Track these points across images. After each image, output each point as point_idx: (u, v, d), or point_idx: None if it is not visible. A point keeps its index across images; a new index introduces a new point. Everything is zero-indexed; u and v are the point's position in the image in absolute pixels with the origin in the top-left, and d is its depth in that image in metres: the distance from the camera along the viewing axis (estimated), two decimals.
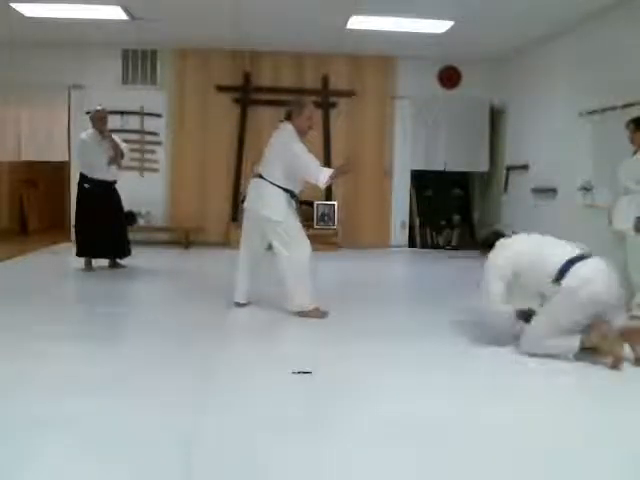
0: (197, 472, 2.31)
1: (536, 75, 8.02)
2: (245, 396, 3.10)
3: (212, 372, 3.46)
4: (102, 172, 6.49)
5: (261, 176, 4.72)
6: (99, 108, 6.59)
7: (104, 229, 6.43)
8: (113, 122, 8.68)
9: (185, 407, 2.92)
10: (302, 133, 4.74)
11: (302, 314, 4.73)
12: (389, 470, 2.36)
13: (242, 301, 5.02)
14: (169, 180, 9.18)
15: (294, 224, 4.82)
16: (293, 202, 4.84)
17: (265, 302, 5.23)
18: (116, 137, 6.71)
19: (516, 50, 8.39)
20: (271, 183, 4.67)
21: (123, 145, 6.65)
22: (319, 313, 4.78)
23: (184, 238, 8.84)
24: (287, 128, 4.72)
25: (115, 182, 6.64)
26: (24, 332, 4.18)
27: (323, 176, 4.66)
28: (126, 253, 6.71)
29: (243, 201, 5.00)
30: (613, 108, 6.02)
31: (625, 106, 5.79)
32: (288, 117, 4.77)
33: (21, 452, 2.41)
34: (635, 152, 5.10)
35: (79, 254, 6.54)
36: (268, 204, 4.67)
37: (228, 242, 8.92)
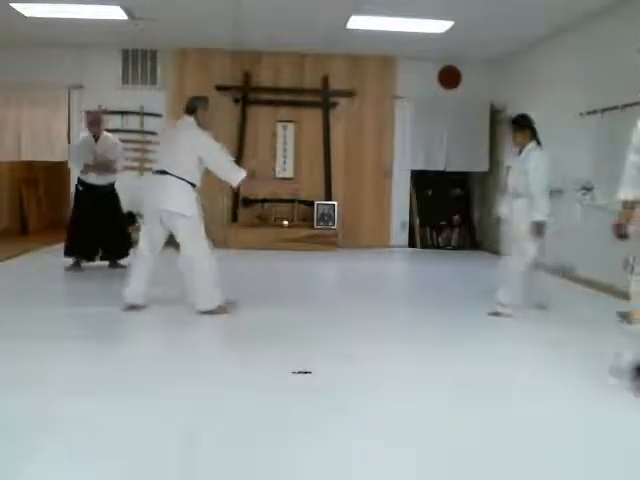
0: (197, 472, 2.31)
1: (536, 75, 8.02)
2: (245, 396, 3.10)
3: (212, 372, 3.46)
4: (94, 176, 6.45)
5: (165, 172, 4.58)
6: (91, 109, 6.58)
7: (92, 231, 6.37)
8: (113, 122, 8.73)
9: (185, 407, 2.92)
10: (204, 128, 4.73)
11: (209, 312, 4.65)
12: (389, 470, 2.36)
13: (137, 302, 4.74)
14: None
15: (200, 220, 4.69)
16: (198, 196, 4.72)
17: (264, 302, 5.23)
18: (111, 136, 6.66)
19: (516, 50, 8.38)
20: (178, 178, 4.56)
21: (120, 148, 6.61)
22: (225, 309, 4.72)
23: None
24: (191, 122, 4.68)
25: (110, 184, 6.59)
26: (22, 332, 4.19)
27: (239, 175, 4.71)
28: (123, 254, 6.65)
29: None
30: (613, 108, 6.01)
31: (625, 106, 5.78)
32: (192, 111, 4.71)
33: (21, 452, 2.41)
34: (520, 153, 5.03)
35: (65, 254, 6.52)
36: (179, 200, 4.54)
37: (228, 242, 8.93)
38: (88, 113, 6.57)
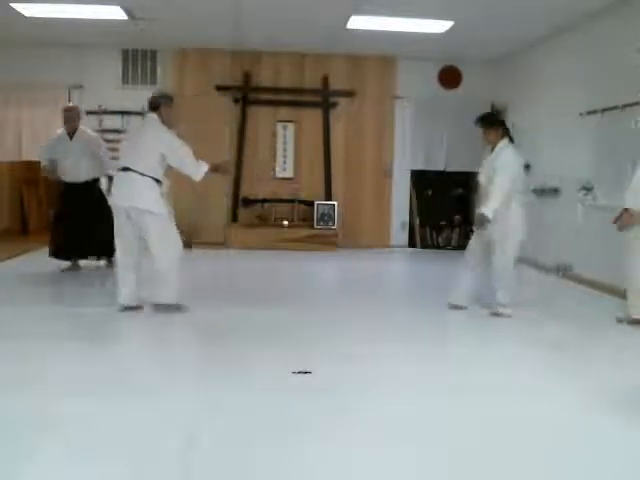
0: (197, 472, 2.31)
1: (536, 75, 8.02)
2: (245, 396, 3.10)
3: (212, 372, 3.46)
4: (70, 174, 6.32)
5: (128, 169, 4.55)
6: (67, 105, 6.41)
7: (73, 231, 6.23)
8: (113, 122, 8.73)
9: (185, 407, 2.92)
10: (169, 125, 4.71)
11: (163, 308, 4.62)
12: (389, 470, 2.36)
13: (132, 303, 4.71)
14: (169, 180, 9.16)
15: (167, 217, 4.66)
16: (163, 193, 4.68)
17: (264, 302, 5.23)
18: (88, 131, 6.51)
19: (516, 50, 8.38)
20: (143, 175, 4.53)
21: (103, 147, 6.45)
22: (179, 307, 4.70)
23: (183, 238, 8.81)
24: (155, 119, 4.67)
25: (90, 182, 6.41)
26: (21, 332, 4.19)
27: (201, 170, 4.69)
28: (103, 256, 6.51)
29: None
30: (613, 108, 6.01)
31: (625, 106, 5.78)
32: (156, 108, 4.69)
33: (20, 452, 2.41)
34: (492, 150, 4.98)
35: (49, 254, 6.44)
36: (146, 197, 4.52)
37: (228, 242, 8.94)
38: (64, 109, 6.41)
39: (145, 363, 3.62)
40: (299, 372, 3.43)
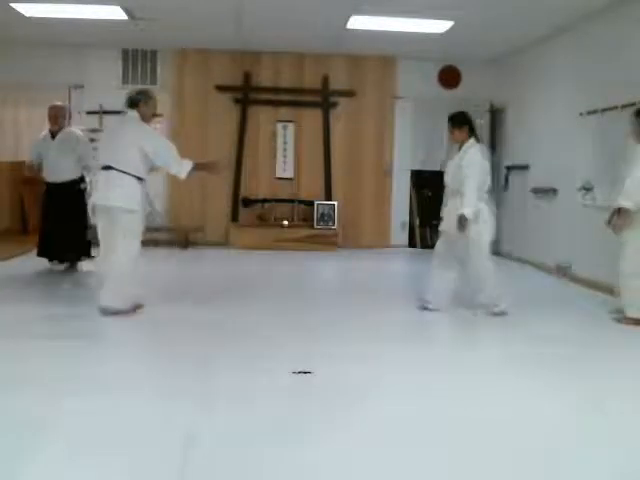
0: (197, 472, 2.31)
1: (536, 75, 8.02)
2: (245, 396, 3.10)
3: (212, 372, 3.46)
4: (51, 174, 6.24)
5: (110, 167, 4.51)
6: (53, 104, 6.26)
7: (51, 232, 6.19)
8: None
9: (185, 407, 2.92)
10: (148, 122, 4.70)
11: (114, 311, 4.53)
12: (389, 470, 2.36)
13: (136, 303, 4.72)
14: (169, 180, 9.16)
15: (141, 219, 4.61)
16: (145, 193, 4.65)
17: (264, 302, 5.22)
18: (74, 131, 6.37)
19: (516, 50, 8.38)
20: (124, 172, 4.49)
21: (88, 149, 6.25)
22: (132, 309, 4.64)
23: (184, 238, 8.84)
24: (135, 116, 4.63)
25: (71, 182, 6.23)
26: (20, 332, 4.19)
27: (185, 168, 4.63)
28: (76, 257, 6.33)
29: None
30: (613, 108, 6.01)
31: (625, 106, 5.78)
32: (134, 105, 4.65)
33: (20, 452, 2.41)
34: (459, 150, 4.96)
35: (37, 254, 6.42)
36: (124, 194, 4.47)
37: (228, 242, 8.94)
38: (48, 107, 6.27)
39: (145, 363, 3.62)
40: (299, 372, 3.43)
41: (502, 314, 4.92)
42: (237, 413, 2.88)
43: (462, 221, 4.69)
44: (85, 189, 6.27)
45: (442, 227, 5.06)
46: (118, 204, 4.46)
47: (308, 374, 3.42)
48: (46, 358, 3.68)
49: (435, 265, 5.05)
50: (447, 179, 5.04)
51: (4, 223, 9.98)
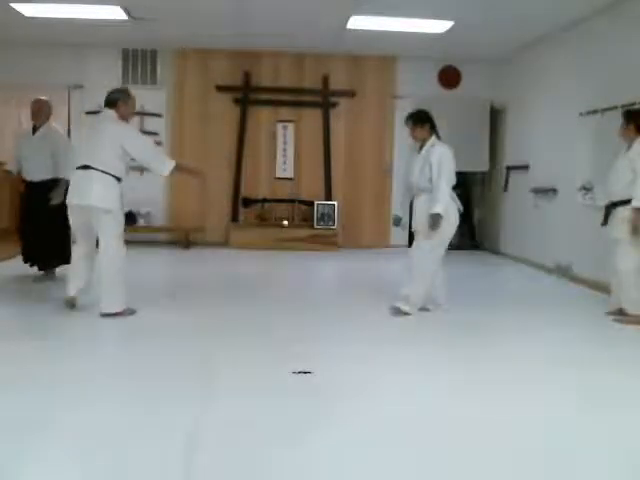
0: (197, 472, 2.31)
1: (536, 75, 8.02)
2: (244, 396, 3.10)
3: (212, 372, 3.46)
4: (29, 173, 5.93)
5: (88, 166, 4.45)
6: (37, 98, 5.97)
7: (33, 236, 5.91)
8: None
9: (185, 407, 2.92)
10: (126, 121, 4.65)
11: (113, 315, 4.53)
12: (389, 470, 2.36)
13: (74, 295, 4.67)
14: (169, 180, 9.17)
15: (122, 218, 4.61)
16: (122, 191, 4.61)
17: (264, 302, 5.22)
18: (54, 127, 6.04)
19: (516, 50, 8.39)
20: (102, 172, 4.44)
21: (68, 148, 5.86)
22: (129, 311, 4.63)
23: (184, 238, 8.84)
24: (112, 115, 4.58)
25: (49, 182, 5.78)
26: (19, 332, 4.19)
27: (167, 165, 4.60)
28: (59, 262, 5.87)
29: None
30: (613, 108, 6.01)
31: (625, 106, 5.78)
32: (113, 104, 4.60)
33: (19, 453, 2.41)
34: (420, 148, 4.91)
35: (24, 262, 6.12)
36: (101, 193, 4.41)
37: (228, 242, 8.94)
38: (32, 102, 5.99)
39: (145, 363, 3.61)
40: (299, 372, 3.43)
41: (404, 314, 4.85)
42: (236, 413, 2.87)
43: (436, 220, 4.65)
44: (66, 189, 5.86)
45: (415, 227, 5.01)
46: (98, 204, 4.41)
47: (308, 374, 3.42)
48: (46, 359, 3.68)
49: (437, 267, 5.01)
50: (412, 178, 4.91)
51: (3, 223, 9.97)
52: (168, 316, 4.75)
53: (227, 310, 5.00)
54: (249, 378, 3.37)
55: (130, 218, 8.87)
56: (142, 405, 2.93)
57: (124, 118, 4.63)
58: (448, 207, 4.73)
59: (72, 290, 4.66)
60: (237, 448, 2.51)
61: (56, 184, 5.71)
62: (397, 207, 5.14)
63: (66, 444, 2.51)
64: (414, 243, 5.10)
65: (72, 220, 4.61)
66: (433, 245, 4.83)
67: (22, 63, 8.65)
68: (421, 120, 4.88)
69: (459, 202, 4.91)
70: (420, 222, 4.89)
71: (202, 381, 3.31)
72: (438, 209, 4.66)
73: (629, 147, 4.86)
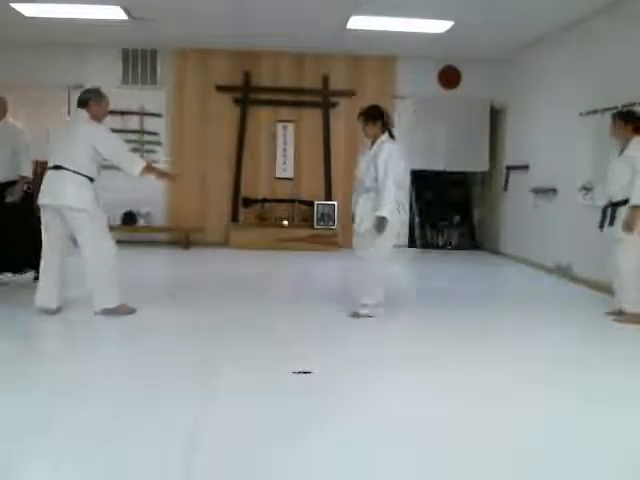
0: (197, 472, 2.31)
1: (536, 75, 8.02)
2: (245, 396, 3.10)
3: (211, 372, 3.46)
4: None
5: (60, 167, 4.41)
6: None
7: (1, 241, 5.47)
8: (113, 122, 8.72)
9: (185, 407, 2.91)
10: (98, 121, 4.61)
11: (108, 312, 4.50)
12: (389, 470, 2.36)
13: (50, 305, 4.53)
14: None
15: (101, 215, 4.54)
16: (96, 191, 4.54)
17: (264, 302, 5.23)
18: (12, 122, 5.82)
19: (516, 50, 8.39)
20: (74, 172, 4.39)
21: (25, 145, 5.64)
22: (126, 309, 4.60)
23: (184, 238, 8.85)
24: (84, 115, 4.54)
25: (11, 182, 5.51)
26: (23, 332, 4.19)
27: (138, 165, 4.55)
28: (28, 265, 5.52)
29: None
30: (613, 108, 6.01)
31: (625, 106, 5.78)
32: (84, 104, 4.57)
33: (19, 453, 2.41)
34: (371, 145, 4.77)
35: None
36: (78, 194, 4.38)
37: (228, 242, 8.95)
38: None
39: (144, 363, 3.62)
40: (299, 372, 3.43)
41: (365, 317, 4.78)
42: (237, 413, 2.87)
43: (382, 223, 4.54)
44: (30, 189, 5.66)
45: (358, 228, 4.80)
46: (71, 204, 4.36)
47: (308, 374, 3.41)
48: (47, 360, 3.68)
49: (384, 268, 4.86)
50: (359, 173, 4.79)
51: None
52: (168, 316, 4.75)
53: (227, 310, 5.00)
54: (249, 378, 3.37)
55: (130, 218, 8.91)
56: (142, 405, 2.93)
57: (96, 118, 4.58)
58: (394, 211, 4.61)
59: (48, 302, 4.52)
60: (237, 448, 2.51)
61: (15, 182, 5.51)
62: (352, 205, 4.95)
63: (66, 444, 2.51)
64: (359, 244, 4.84)
65: (43, 223, 4.54)
66: (380, 247, 4.69)
67: (22, 63, 8.65)
68: (373, 117, 4.74)
69: (406, 205, 4.78)
70: (364, 223, 4.71)
71: (202, 381, 3.30)
72: (384, 212, 4.52)
73: (624, 147, 4.85)
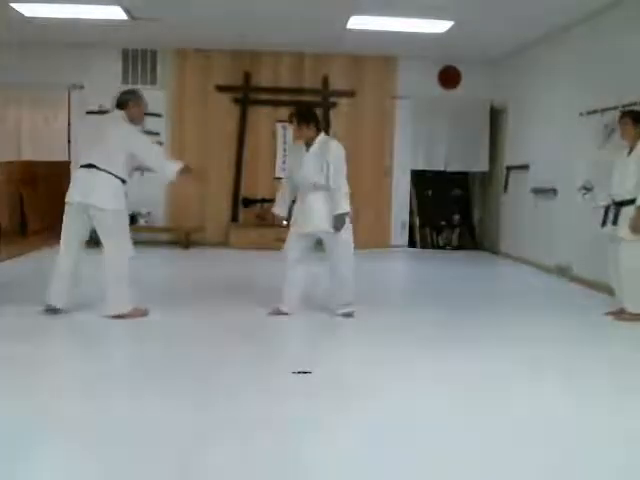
0: (197, 472, 2.31)
1: (536, 75, 8.02)
2: (245, 396, 3.10)
3: (212, 372, 3.46)
4: None
5: (93, 165, 4.39)
6: None
7: None
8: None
9: (185, 407, 2.92)
10: (136, 123, 4.62)
11: (121, 316, 4.49)
12: (389, 470, 2.36)
13: (58, 305, 4.53)
14: None
15: (126, 218, 4.57)
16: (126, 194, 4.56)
17: (263, 302, 5.22)
18: None
19: (516, 50, 8.38)
20: (108, 172, 4.39)
21: None
22: (139, 312, 4.58)
23: (184, 238, 8.84)
24: (122, 116, 4.52)
25: None
26: (25, 334, 4.19)
27: (174, 169, 4.55)
28: None
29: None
30: (613, 108, 6.01)
31: (625, 106, 5.78)
32: (124, 105, 4.54)
33: (19, 453, 2.41)
34: (308, 146, 4.70)
35: None
36: (105, 193, 4.36)
37: (228, 242, 8.94)
38: None
39: (145, 363, 3.62)
40: (299, 372, 3.43)
41: (349, 316, 4.79)
42: (237, 413, 2.87)
43: (341, 219, 4.55)
44: None
45: (307, 229, 4.70)
46: (102, 204, 4.35)
47: (308, 374, 3.41)
48: (46, 360, 3.68)
49: (291, 268, 4.81)
50: (299, 177, 4.71)
51: (3, 223, 9.97)
52: (167, 316, 4.75)
53: (227, 310, 5.00)
54: (249, 378, 3.38)
55: (130, 218, 8.88)
56: (142, 405, 2.93)
57: (134, 120, 4.58)
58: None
59: (54, 300, 4.52)
60: (237, 448, 2.51)
61: None
62: (279, 206, 4.93)
63: (66, 444, 2.51)
64: (295, 246, 4.79)
65: (66, 222, 4.52)
66: (348, 243, 4.72)
67: (22, 63, 8.63)
68: (306, 120, 4.68)
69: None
70: (319, 224, 4.65)
71: (201, 381, 3.31)
72: (345, 208, 4.58)
73: (633, 147, 4.84)
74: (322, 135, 4.75)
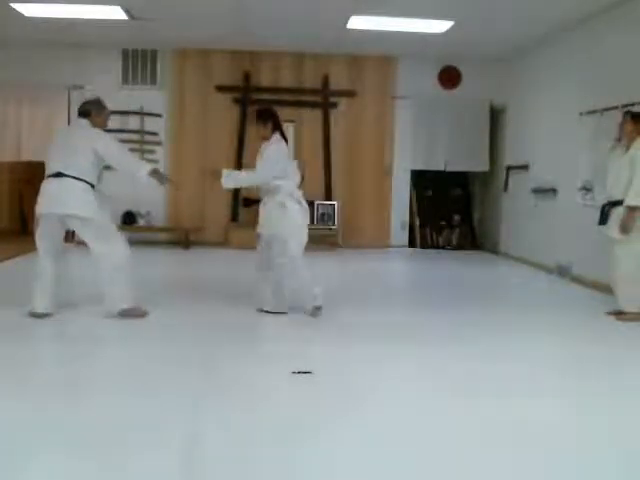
0: (197, 472, 2.31)
1: (536, 75, 8.02)
2: (245, 396, 3.10)
3: (212, 372, 3.46)
4: None
5: (61, 174, 4.35)
6: None
7: None
8: (113, 122, 8.71)
9: (185, 408, 2.92)
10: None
11: (120, 314, 4.50)
12: (389, 470, 2.36)
13: (44, 311, 4.49)
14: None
15: (107, 220, 4.53)
16: (103, 197, 4.54)
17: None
18: None
19: (516, 50, 8.39)
20: (76, 178, 4.35)
21: None
22: (139, 312, 4.58)
23: (184, 238, 8.84)
24: (85, 124, 4.52)
25: None
26: (26, 334, 4.19)
27: (144, 168, 4.53)
28: None
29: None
30: (613, 108, 6.01)
31: (625, 106, 5.78)
32: (86, 114, 4.54)
33: (21, 452, 2.41)
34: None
35: None
36: (78, 201, 4.33)
37: (228, 242, 8.94)
38: None
39: (144, 364, 3.61)
40: (299, 372, 3.43)
41: (319, 309, 4.79)
42: (238, 413, 2.87)
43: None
44: None
45: (269, 230, 4.80)
46: (76, 212, 4.33)
47: (308, 374, 3.41)
48: (48, 360, 3.68)
49: (261, 269, 4.86)
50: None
51: (3, 223, 9.99)
52: (167, 315, 4.75)
53: (226, 310, 4.99)
54: (249, 378, 3.37)
55: (130, 218, 8.91)
56: (141, 405, 2.93)
57: (98, 127, 4.56)
58: (295, 210, 4.88)
59: (40, 307, 4.49)
60: (237, 448, 2.51)
61: None
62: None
63: (65, 444, 2.51)
64: (267, 249, 4.84)
65: (40, 231, 4.50)
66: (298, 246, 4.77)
67: (22, 63, 8.64)
68: (263, 119, 4.77)
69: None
70: (272, 224, 4.81)
71: (201, 381, 3.30)
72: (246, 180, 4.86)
73: (628, 147, 4.85)
74: (276, 135, 4.79)
